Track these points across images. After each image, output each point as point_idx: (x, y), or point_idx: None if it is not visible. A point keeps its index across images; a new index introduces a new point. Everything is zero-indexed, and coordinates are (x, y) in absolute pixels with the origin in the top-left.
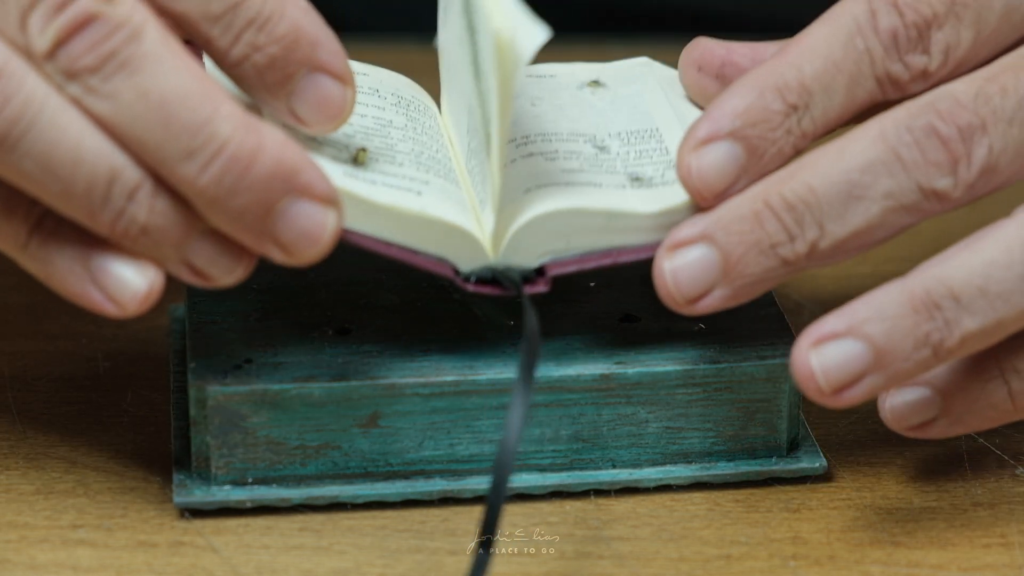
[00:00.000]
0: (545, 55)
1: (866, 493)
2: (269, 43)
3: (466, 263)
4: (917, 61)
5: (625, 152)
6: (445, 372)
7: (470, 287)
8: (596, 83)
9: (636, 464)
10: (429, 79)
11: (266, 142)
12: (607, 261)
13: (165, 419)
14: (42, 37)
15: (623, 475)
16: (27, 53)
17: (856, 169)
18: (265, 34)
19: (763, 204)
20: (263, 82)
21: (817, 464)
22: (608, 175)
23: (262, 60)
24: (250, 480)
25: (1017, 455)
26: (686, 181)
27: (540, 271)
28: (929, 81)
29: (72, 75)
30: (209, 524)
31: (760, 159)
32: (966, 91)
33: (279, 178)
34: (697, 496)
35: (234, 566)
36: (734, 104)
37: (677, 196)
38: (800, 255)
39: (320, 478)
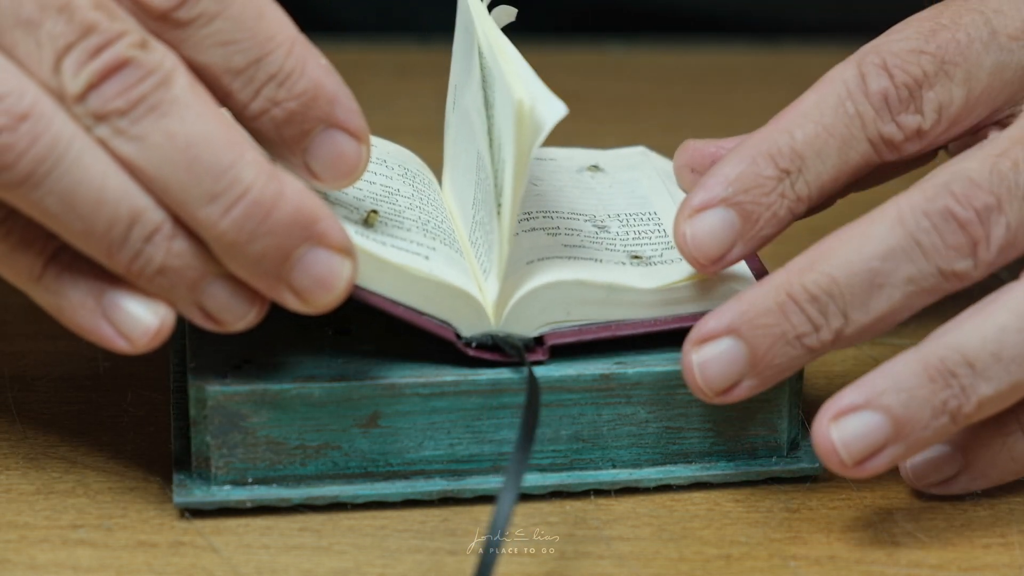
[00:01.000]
0: (545, 55)
1: (866, 493)
2: (288, 98)
3: (468, 328)
4: (910, 121)
5: (624, 232)
6: (445, 372)
7: (471, 352)
8: (595, 168)
9: (636, 464)
10: (429, 79)
11: (287, 190)
12: (605, 334)
13: (165, 419)
14: (75, 80)
15: (623, 475)
16: (58, 95)
17: (877, 257)
18: (285, 89)
19: (786, 296)
20: (280, 136)
21: (817, 464)
22: (608, 252)
23: (280, 115)
24: (250, 480)
25: None
26: (682, 248)
27: (539, 340)
28: (924, 140)
29: (101, 117)
30: (209, 524)
31: (754, 224)
32: (979, 170)
33: (299, 225)
34: (697, 496)
35: (234, 566)
36: (727, 172)
37: (676, 274)
38: (825, 343)
39: (320, 478)
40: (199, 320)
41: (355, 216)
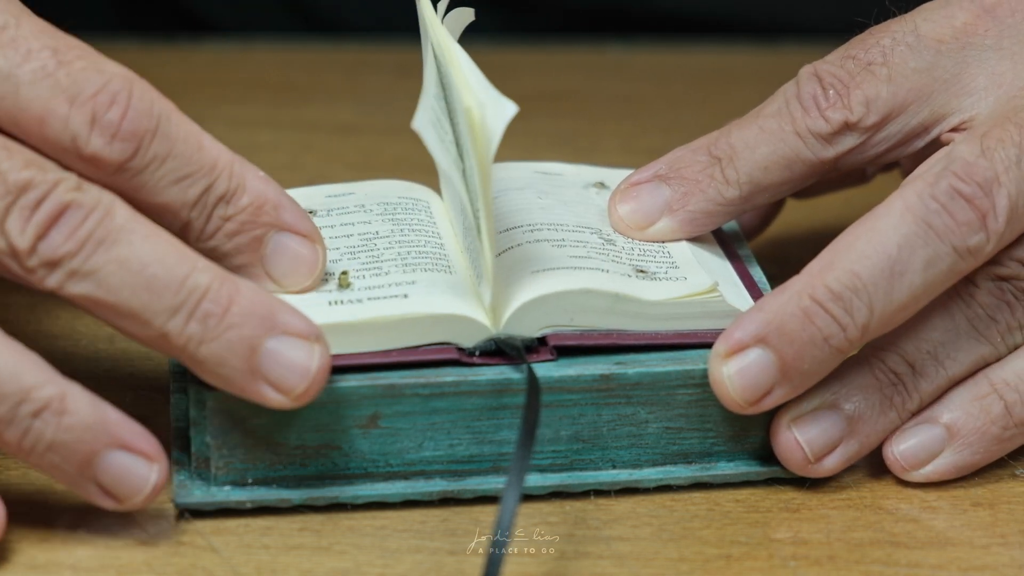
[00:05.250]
0: (545, 55)
1: (866, 493)
2: (237, 212)
3: (468, 339)
4: (837, 115)
5: (630, 248)
6: (445, 372)
7: (476, 360)
8: (601, 184)
9: (636, 464)
10: None
11: (241, 287)
12: (607, 342)
13: (165, 419)
14: (23, 237)
15: (623, 475)
16: (9, 254)
17: (893, 245)
18: (232, 206)
19: (810, 300)
20: (237, 248)
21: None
22: (614, 264)
23: (233, 227)
24: (250, 480)
25: (1017, 455)
26: (612, 216)
27: (542, 341)
28: (857, 132)
29: (54, 264)
30: (209, 524)
31: (683, 197)
32: (971, 151)
33: (258, 315)
34: (697, 496)
35: (234, 566)
36: (666, 157)
37: (680, 290)
38: (854, 340)
39: (320, 478)
40: (96, 498)
41: (329, 283)
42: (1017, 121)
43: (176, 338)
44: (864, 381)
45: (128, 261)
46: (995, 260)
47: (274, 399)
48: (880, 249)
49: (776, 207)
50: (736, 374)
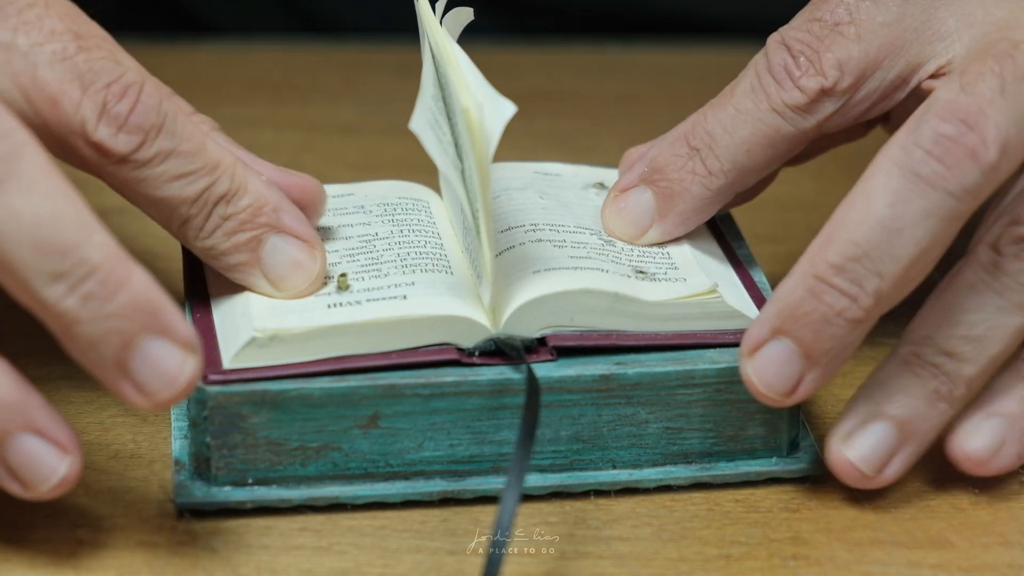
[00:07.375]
0: (545, 55)
1: (866, 493)
2: (237, 211)
3: (467, 340)
4: (811, 83)
5: (629, 249)
6: (445, 373)
7: (476, 360)
8: (601, 185)
9: (636, 464)
10: None
11: (134, 276)
12: (607, 343)
13: (165, 419)
14: None
15: (623, 475)
16: None
17: (885, 204)
18: (233, 205)
19: (814, 278)
20: (234, 246)
21: (817, 464)
22: (614, 264)
23: (232, 225)
24: (250, 481)
25: None
26: (607, 227)
27: (542, 341)
28: (834, 96)
29: None
30: (209, 524)
31: (669, 200)
32: (949, 88)
33: (142, 311)
34: (697, 496)
35: (234, 566)
36: (648, 154)
37: (680, 291)
38: (869, 309)
39: (320, 479)
40: (4, 481)
41: (328, 286)
42: (995, 53)
43: (52, 307)
44: (905, 382)
45: (21, 212)
46: (1015, 220)
47: (132, 398)
48: (873, 211)
49: (769, 177)
50: (762, 370)
